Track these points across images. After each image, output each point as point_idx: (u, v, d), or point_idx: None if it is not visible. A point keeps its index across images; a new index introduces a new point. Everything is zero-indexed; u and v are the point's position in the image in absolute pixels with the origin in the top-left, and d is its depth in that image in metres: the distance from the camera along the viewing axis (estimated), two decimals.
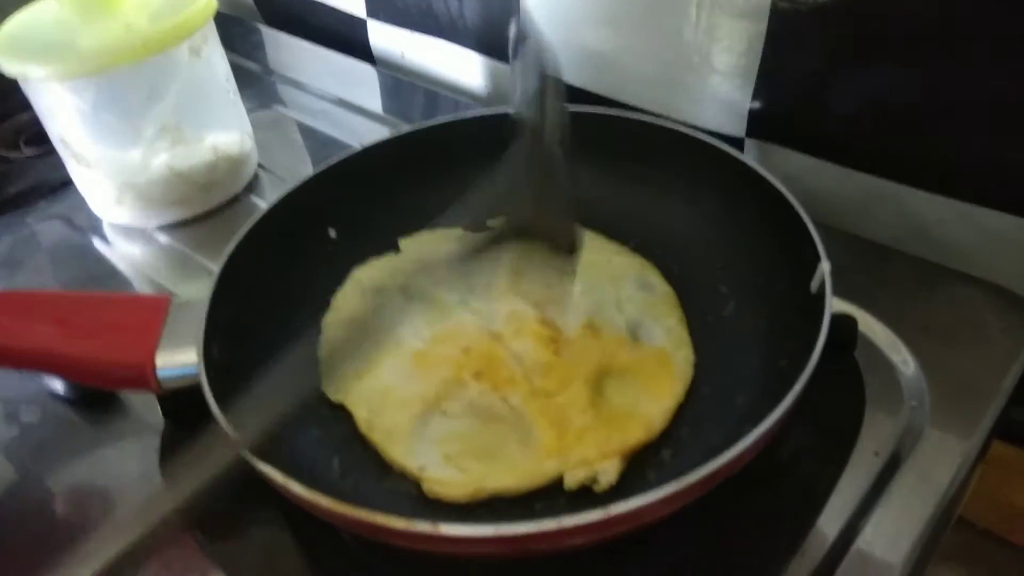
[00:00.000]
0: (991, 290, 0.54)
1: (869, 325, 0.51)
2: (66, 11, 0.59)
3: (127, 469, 0.47)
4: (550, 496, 0.40)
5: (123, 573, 0.41)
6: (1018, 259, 0.57)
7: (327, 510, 0.33)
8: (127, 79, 0.59)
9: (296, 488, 0.34)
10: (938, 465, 0.43)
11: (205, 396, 0.39)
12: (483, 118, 0.59)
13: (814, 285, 0.42)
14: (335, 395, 0.46)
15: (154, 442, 0.48)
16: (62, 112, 0.60)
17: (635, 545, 0.39)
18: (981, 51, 0.50)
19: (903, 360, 0.49)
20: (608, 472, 0.40)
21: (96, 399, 0.51)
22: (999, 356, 0.49)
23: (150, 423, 0.49)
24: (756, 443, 0.34)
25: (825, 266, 0.41)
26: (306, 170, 0.55)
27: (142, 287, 0.63)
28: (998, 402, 0.47)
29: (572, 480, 0.40)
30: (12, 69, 0.57)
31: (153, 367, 0.42)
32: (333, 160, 0.54)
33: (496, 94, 0.84)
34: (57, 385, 0.51)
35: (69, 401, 0.52)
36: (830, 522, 0.41)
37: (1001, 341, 0.50)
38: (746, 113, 0.64)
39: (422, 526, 0.31)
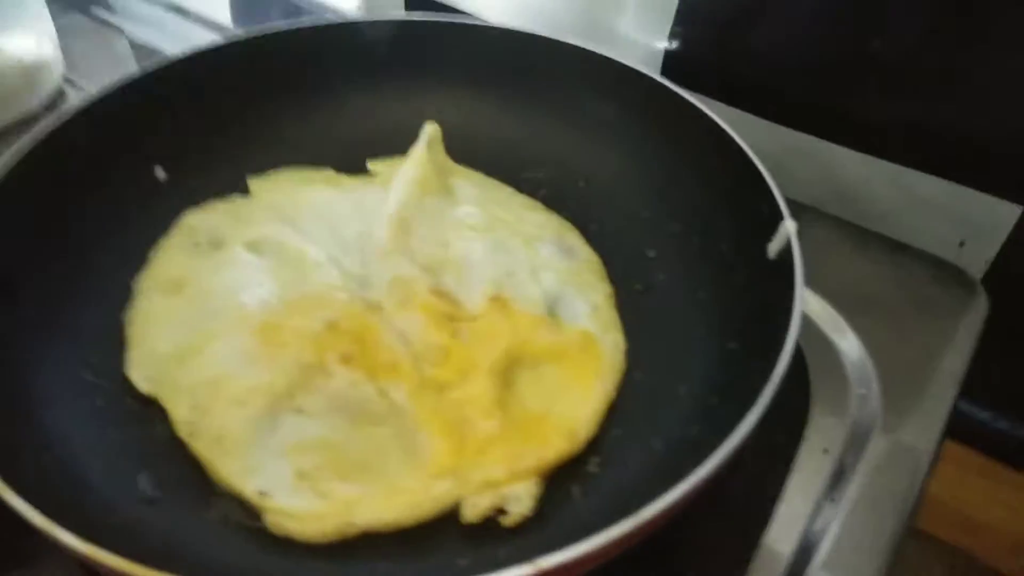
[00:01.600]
0: (928, 260, 0.49)
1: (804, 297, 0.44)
2: None
3: None
4: (442, 530, 0.30)
5: None
6: (950, 226, 0.52)
7: (90, 559, 0.22)
8: None
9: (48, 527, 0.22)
10: (895, 469, 0.37)
11: None
12: (350, 25, 0.46)
13: (773, 248, 0.34)
14: (145, 384, 0.33)
15: None
16: None
17: None
18: (914, 7, 0.45)
19: (846, 340, 0.43)
20: (521, 499, 0.30)
21: None
22: (948, 337, 0.44)
23: None
24: (718, 469, 0.25)
25: (790, 225, 0.34)
26: None
27: None
28: (951, 391, 0.41)
29: (473, 511, 0.30)
30: None
31: None
32: (155, 64, 0.41)
33: (371, 14, 0.72)
34: None
35: None
36: (782, 539, 0.34)
37: (947, 319, 0.45)
38: (660, 53, 0.57)
39: None
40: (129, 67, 0.63)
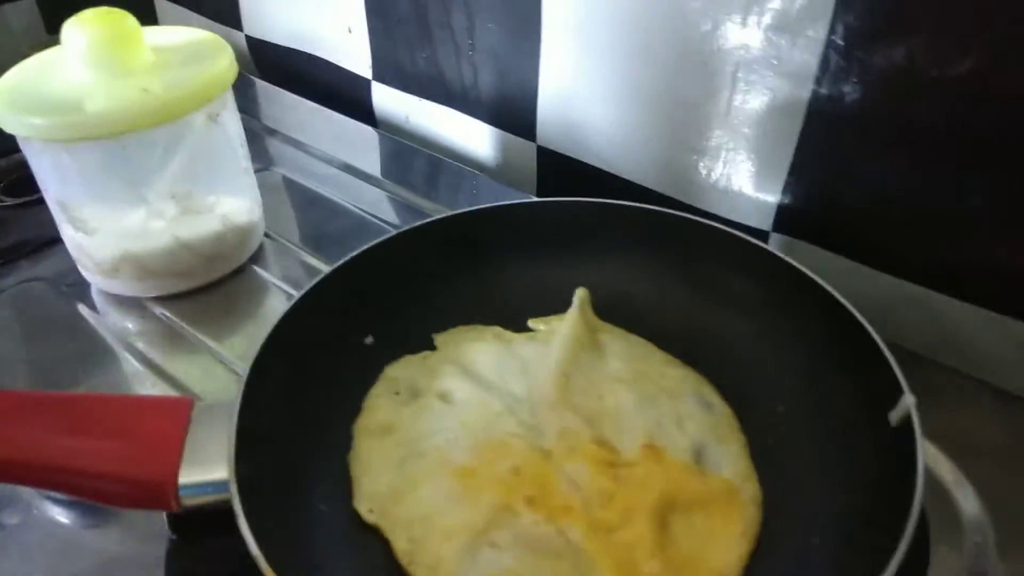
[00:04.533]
0: None
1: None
2: (76, 66, 0.54)
3: None
4: None
5: None
6: None
7: None
8: (138, 144, 0.55)
9: None
10: None
11: (239, 522, 0.34)
12: (519, 206, 0.56)
13: (894, 418, 0.40)
14: (369, 516, 0.41)
15: (157, 556, 0.43)
16: (63, 174, 0.56)
17: None
18: (1015, 160, 0.49)
19: (959, 485, 0.47)
20: None
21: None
22: None
23: (152, 532, 0.44)
24: None
25: (909, 400, 0.39)
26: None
27: (132, 363, 0.57)
28: None
29: None
30: (12, 125, 0.53)
31: (175, 486, 0.37)
32: (361, 249, 0.51)
33: (505, 166, 0.82)
34: None
35: (57, 501, 0.46)
36: None
37: None
38: (773, 208, 0.63)
39: None
40: (306, 217, 0.75)
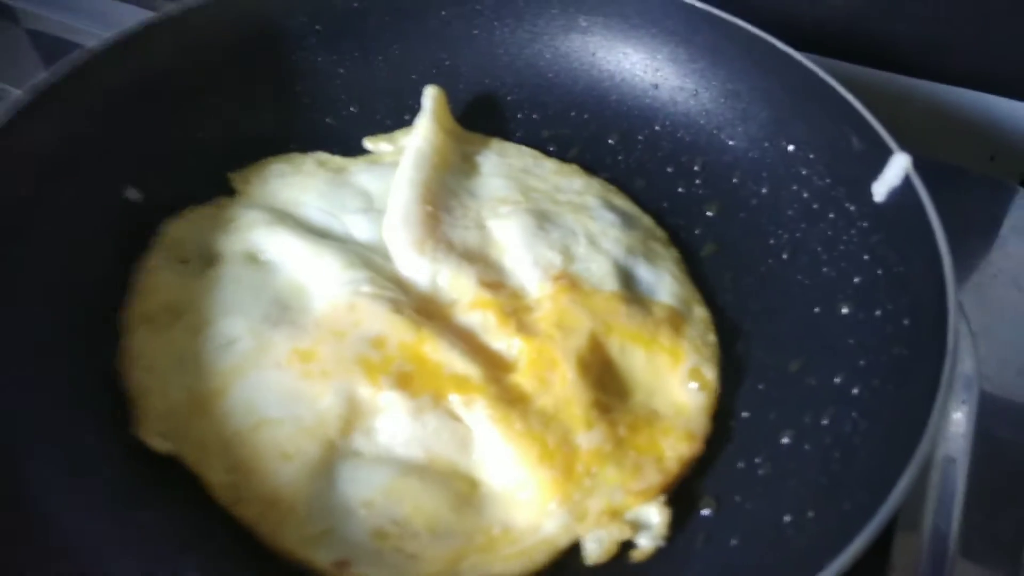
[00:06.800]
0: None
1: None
2: None
3: None
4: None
5: None
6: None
7: None
8: None
9: None
10: None
11: None
12: None
13: (882, 190, 0.30)
14: (162, 443, 0.27)
15: None
16: None
17: None
18: None
19: None
20: (652, 526, 0.25)
21: None
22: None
23: None
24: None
25: (902, 160, 0.29)
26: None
27: None
28: None
29: (599, 548, 0.25)
30: None
31: None
32: (99, 47, 0.33)
33: None
34: None
35: None
36: None
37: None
38: None
39: None
40: (36, 55, 0.54)
